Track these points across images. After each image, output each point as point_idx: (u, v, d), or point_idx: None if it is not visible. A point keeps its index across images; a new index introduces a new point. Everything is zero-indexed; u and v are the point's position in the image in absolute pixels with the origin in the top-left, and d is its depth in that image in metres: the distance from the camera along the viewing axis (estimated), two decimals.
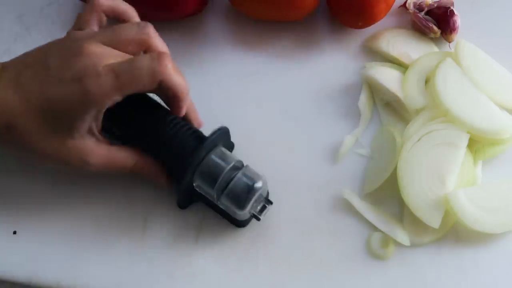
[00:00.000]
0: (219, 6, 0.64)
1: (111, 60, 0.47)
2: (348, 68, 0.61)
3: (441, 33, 0.61)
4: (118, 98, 0.48)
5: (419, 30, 0.62)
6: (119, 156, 0.51)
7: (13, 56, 0.50)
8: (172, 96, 0.50)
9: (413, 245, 0.53)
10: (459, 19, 0.61)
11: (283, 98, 0.60)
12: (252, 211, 0.51)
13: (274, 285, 0.52)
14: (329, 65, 0.61)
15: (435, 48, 0.62)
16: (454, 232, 0.54)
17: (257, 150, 0.56)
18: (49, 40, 0.51)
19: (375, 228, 0.54)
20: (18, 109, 0.47)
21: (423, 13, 0.62)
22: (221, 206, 0.51)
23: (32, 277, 0.52)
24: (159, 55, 0.48)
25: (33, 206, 0.55)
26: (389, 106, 0.59)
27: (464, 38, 0.60)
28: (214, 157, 0.51)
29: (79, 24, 0.52)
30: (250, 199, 0.50)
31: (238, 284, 0.52)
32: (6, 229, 0.54)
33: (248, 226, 0.54)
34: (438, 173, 0.53)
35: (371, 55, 0.62)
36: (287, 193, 0.55)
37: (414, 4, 0.62)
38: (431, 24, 0.61)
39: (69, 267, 0.53)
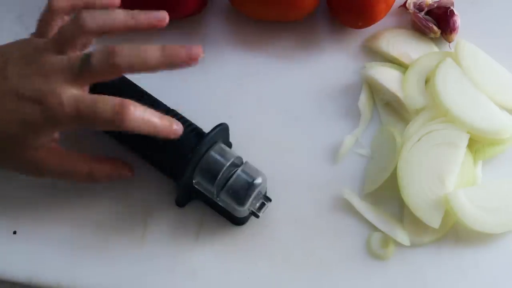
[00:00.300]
0: (219, 6, 0.64)
1: (71, 87, 0.46)
2: (348, 68, 0.61)
3: (441, 33, 0.61)
4: (74, 127, 0.47)
5: (419, 30, 0.62)
6: (72, 163, 0.50)
7: None
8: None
9: (413, 245, 0.53)
10: (459, 19, 0.61)
11: (283, 98, 0.60)
12: (251, 208, 0.51)
13: (274, 285, 0.52)
14: (329, 65, 0.61)
15: (435, 48, 0.62)
16: (454, 232, 0.54)
17: (257, 150, 0.56)
18: None
19: (375, 228, 0.54)
20: None
21: (423, 13, 0.62)
22: (220, 203, 0.51)
23: (32, 277, 0.52)
24: (122, 108, 0.45)
25: (33, 206, 0.55)
26: (389, 106, 0.59)
27: (464, 38, 0.60)
28: (214, 153, 0.51)
29: (41, 28, 0.50)
30: (250, 196, 0.50)
31: (238, 282, 0.52)
32: (6, 229, 0.54)
33: (248, 225, 0.54)
34: (438, 173, 0.53)
35: (371, 55, 0.62)
36: (287, 193, 0.55)
37: (414, 4, 0.62)
38: (431, 24, 0.61)
39: (69, 267, 0.53)
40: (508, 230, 0.53)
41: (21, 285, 0.53)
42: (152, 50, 0.46)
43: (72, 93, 0.46)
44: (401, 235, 0.53)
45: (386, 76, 0.59)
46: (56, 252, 0.53)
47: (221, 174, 0.50)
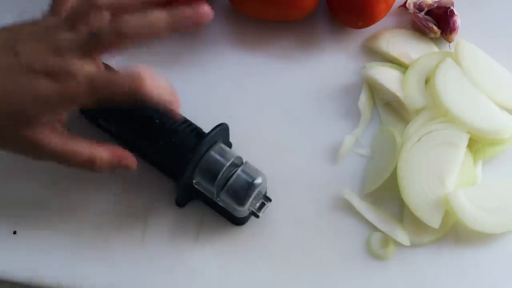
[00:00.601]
0: (219, 6, 0.64)
1: (86, 66, 0.45)
2: (348, 68, 0.61)
3: (441, 33, 0.61)
4: (88, 104, 0.46)
5: (419, 30, 0.62)
6: (74, 144, 0.49)
7: None
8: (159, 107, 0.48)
9: (413, 245, 0.53)
10: (459, 19, 0.61)
11: (283, 98, 0.60)
12: (251, 208, 0.51)
13: (274, 285, 0.52)
14: (329, 65, 0.61)
15: (435, 48, 0.62)
16: (454, 232, 0.54)
17: (257, 150, 0.56)
18: None
19: (375, 228, 0.54)
20: None
21: (423, 13, 0.62)
22: (220, 203, 0.52)
23: (32, 277, 0.52)
24: (139, 75, 0.45)
25: (33, 206, 0.55)
26: (389, 106, 0.59)
27: (464, 38, 0.60)
28: (213, 153, 0.51)
29: (54, 6, 0.49)
30: (250, 196, 0.50)
31: (238, 282, 0.52)
32: (6, 229, 0.54)
33: (248, 225, 0.54)
34: (438, 173, 0.53)
35: (371, 55, 0.62)
36: (287, 193, 0.55)
37: (414, 4, 0.62)
38: (431, 24, 0.61)
39: (69, 267, 0.53)
40: (508, 230, 0.53)
41: (21, 285, 0.53)
42: (158, 14, 0.46)
43: (87, 71, 0.45)
44: (401, 235, 0.53)
45: (386, 76, 0.59)
46: (56, 252, 0.53)
47: (221, 174, 0.50)
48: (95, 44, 0.46)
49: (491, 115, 0.56)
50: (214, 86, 0.60)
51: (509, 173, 0.57)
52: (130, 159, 0.51)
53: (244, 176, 0.51)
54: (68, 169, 0.53)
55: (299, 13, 0.61)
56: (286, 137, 0.58)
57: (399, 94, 0.58)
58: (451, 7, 0.61)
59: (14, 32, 0.47)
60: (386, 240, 0.53)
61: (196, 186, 0.52)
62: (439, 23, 0.61)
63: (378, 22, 0.61)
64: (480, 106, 0.56)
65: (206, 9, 0.47)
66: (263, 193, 0.53)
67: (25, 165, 0.56)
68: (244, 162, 0.52)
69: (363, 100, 0.59)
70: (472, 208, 0.52)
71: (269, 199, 0.52)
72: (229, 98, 0.60)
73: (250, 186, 0.50)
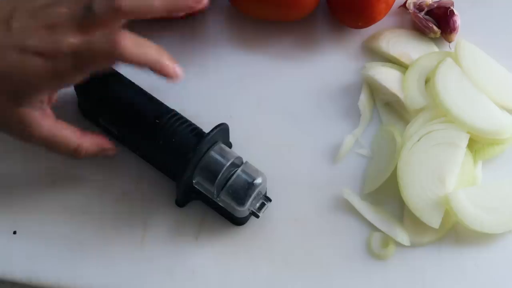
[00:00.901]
0: (219, 6, 0.64)
1: (75, 34, 0.45)
2: (348, 68, 0.61)
3: (441, 33, 0.61)
4: (78, 78, 0.46)
5: (419, 30, 0.62)
6: (64, 132, 0.49)
7: None
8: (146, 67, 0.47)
9: (413, 245, 0.53)
10: (459, 19, 0.61)
11: (283, 98, 0.60)
12: (251, 208, 0.51)
13: (273, 284, 0.52)
14: (329, 65, 0.61)
15: (435, 48, 0.61)
16: (454, 232, 0.54)
17: (257, 150, 0.56)
18: None
19: (375, 228, 0.54)
20: None
21: (423, 13, 0.62)
22: (220, 203, 0.52)
23: (32, 277, 0.52)
24: (115, 37, 0.45)
25: (33, 206, 0.55)
26: (389, 106, 0.59)
27: (464, 38, 0.60)
28: (214, 153, 0.51)
29: None
30: (250, 196, 0.50)
31: (238, 283, 0.52)
32: (6, 229, 0.54)
33: (248, 225, 0.54)
34: (438, 173, 0.53)
35: (371, 55, 0.62)
36: (287, 193, 0.55)
37: (414, 4, 0.62)
38: (431, 24, 0.61)
39: (69, 267, 0.53)
40: (508, 230, 0.53)
41: (21, 285, 0.53)
42: None
43: (71, 44, 0.45)
44: (401, 235, 0.53)
45: (386, 76, 0.59)
46: (56, 252, 0.53)
47: (221, 174, 0.50)
48: (91, 19, 0.45)
49: (491, 115, 0.56)
50: (214, 86, 0.60)
51: (509, 173, 0.57)
52: (110, 146, 0.53)
53: (244, 176, 0.51)
54: (68, 169, 0.53)
55: (299, 13, 0.61)
56: (286, 137, 0.58)
57: (399, 94, 0.58)
58: (451, 7, 0.61)
59: (12, 5, 0.47)
60: (386, 240, 0.53)
61: (196, 186, 0.52)
62: (439, 23, 0.61)
63: (378, 22, 0.61)
64: (480, 106, 0.56)
65: None
66: (263, 193, 0.53)
67: (25, 165, 0.56)
68: (244, 162, 0.52)
69: (363, 100, 0.59)
70: (472, 208, 0.52)
71: (269, 199, 0.52)
72: (229, 98, 0.60)
73: (250, 186, 0.50)
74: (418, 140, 0.54)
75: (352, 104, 0.59)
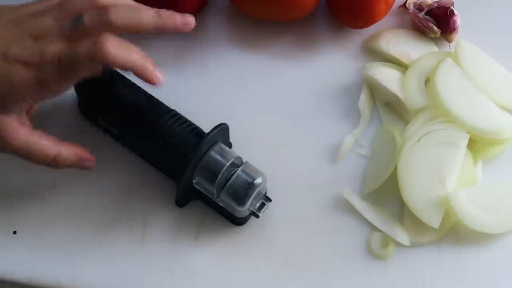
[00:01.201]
0: (219, 6, 0.64)
1: (59, 43, 0.45)
2: (348, 68, 0.61)
3: (441, 33, 0.61)
4: (64, 87, 0.46)
5: (419, 30, 0.62)
6: (41, 143, 0.48)
7: None
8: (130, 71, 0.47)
9: (413, 245, 0.53)
10: (459, 19, 0.61)
11: (283, 98, 0.60)
12: (251, 208, 0.51)
13: (273, 284, 0.52)
14: (329, 65, 0.61)
15: (435, 48, 0.61)
16: (454, 232, 0.54)
17: (257, 150, 0.56)
18: None
19: (375, 228, 0.54)
20: None
21: (423, 13, 0.62)
22: (220, 203, 0.52)
23: (32, 277, 0.52)
24: (99, 40, 0.44)
25: (33, 206, 0.55)
26: (389, 106, 0.59)
27: (464, 38, 0.60)
28: (214, 153, 0.51)
29: None
30: (250, 196, 0.50)
31: (238, 282, 0.52)
32: (6, 229, 0.54)
33: (248, 226, 0.54)
34: (438, 173, 0.53)
35: (371, 55, 0.62)
36: (287, 193, 0.55)
37: (414, 4, 0.62)
38: (431, 24, 0.61)
39: (69, 267, 0.53)
40: (508, 230, 0.53)
41: (21, 285, 0.53)
42: (147, 11, 0.46)
43: (54, 52, 0.45)
44: (401, 235, 0.53)
45: (386, 76, 0.59)
46: (56, 252, 0.53)
47: (221, 174, 0.50)
48: (79, 32, 0.45)
49: (491, 115, 0.56)
50: (214, 86, 0.60)
51: (509, 173, 0.57)
52: (90, 159, 0.51)
53: (244, 176, 0.51)
54: (68, 169, 0.53)
55: (299, 13, 0.61)
56: (286, 137, 0.58)
57: (399, 94, 0.58)
58: (451, 7, 0.61)
59: (3, 12, 0.47)
60: (386, 240, 0.53)
61: (196, 186, 0.52)
62: (439, 23, 0.61)
63: (378, 22, 0.61)
64: (480, 106, 0.56)
65: (191, 20, 0.48)
66: (263, 193, 0.53)
67: (25, 165, 0.56)
68: (244, 162, 0.52)
69: (363, 100, 0.59)
70: (472, 208, 0.52)
71: (269, 199, 0.52)
72: (229, 98, 0.60)
73: (250, 186, 0.50)
74: (418, 140, 0.54)
75: (352, 104, 0.59)
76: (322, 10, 0.63)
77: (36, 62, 0.45)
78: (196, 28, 0.63)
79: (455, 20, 0.61)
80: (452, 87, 0.56)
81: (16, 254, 0.53)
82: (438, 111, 0.56)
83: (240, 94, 0.60)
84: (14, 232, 0.54)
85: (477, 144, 0.56)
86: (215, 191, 0.51)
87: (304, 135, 0.58)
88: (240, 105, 0.59)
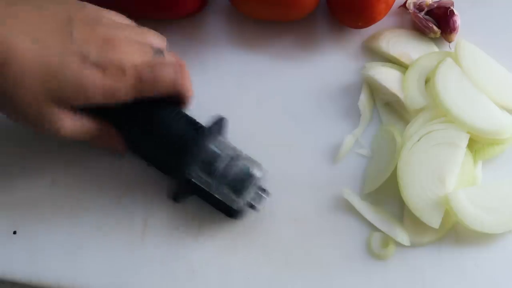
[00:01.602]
0: (219, 6, 0.64)
1: (136, 57, 0.47)
2: (348, 68, 0.61)
3: (441, 33, 0.61)
4: (131, 99, 0.48)
5: (419, 30, 0.62)
6: (87, 124, 0.50)
7: None
8: (179, 98, 0.51)
9: (413, 245, 0.53)
10: (459, 19, 0.61)
11: (283, 98, 0.60)
12: (250, 201, 0.51)
13: (274, 284, 0.52)
14: (329, 65, 0.61)
15: (435, 48, 0.62)
16: (454, 232, 0.54)
17: (257, 150, 0.56)
18: None
19: (375, 228, 0.54)
20: (28, 53, 0.45)
21: (423, 13, 0.62)
22: (218, 196, 0.51)
23: (32, 277, 0.52)
24: (181, 67, 0.49)
25: (33, 206, 0.55)
26: (389, 106, 0.59)
27: (464, 38, 0.60)
28: (212, 145, 0.51)
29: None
30: (248, 187, 0.50)
31: (238, 282, 0.52)
32: (6, 229, 0.54)
33: (248, 225, 0.54)
34: (438, 173, 0.53)
35: (371, 55, 0.62)
36: (287, 193, 0.55)
37: (414, 4, 0.62)
38: (431, 24, 0.61)
39: (69, 267, 0.53)
40: (508, 230, 0.53)
41: (21, 285, 0.53)
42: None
43: (135, 65, 0.47)
44: (401, 235, 0.53)
45: (386, 76, 0.59)
46: (56, 252, 0.53)
47: (219, 166, 0.50)
48: (160, 58, 0.49)
49: (491, 115, 0.56)
50: (214, 85, 0.60)
51: (509, 173, 0.57)
52: (121, 145, 0.53)
53: (242, 167, 0.50)
54: (68, 169, 0.53)
55: (299, 13, 0.61)
56: (286, 137, 0.58)
57: (399, 94, 0.58)
58: (451, 7, 0.61)
59: (69, 15, 0.48)
60: (386, 240, 0.53)
61: (193, 180, 0.52)
62: (439, 23, 0.61)
63: (378, 22, 0.61)
64: (480, 106, 0.56)
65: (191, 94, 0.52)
66: (261, 186, 0.53)
67: (25, 165, 0.56)
68: (242, 153, 0.52)
69: (363, 100, 0.59)
70: (472, 208, 0.52)
71: (267, 192, 0.52)
72: (229, 98, 0.60)
73: (248, 177, 0.50)
74: (418, 140, 0.54)
75: (352, 104, 0.59)
76: (322, 10, 0.63)
77: (111, 71, 0.46)
78: (196, 28, 0.64)
79: (455, 20, 0.61)
80: (452, 87, 0.56)
81: (16, 254, 0.53)
82: (438, 111, 0.56)
83: (240, 94, 0.60)
84: (14, 232, 0.54)
85: (477, 144, 0.56)
86: (213, 184, 0.51)
87: (304, 135, 0.58)
88: (240, 105, 0.59)
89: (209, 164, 0.50)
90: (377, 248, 0.53)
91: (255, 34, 0.63)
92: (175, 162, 0.51)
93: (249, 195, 0.51)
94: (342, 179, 0.56)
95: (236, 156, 0.51)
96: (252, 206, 0.52)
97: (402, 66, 0.60)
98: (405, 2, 0.63)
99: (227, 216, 0.54)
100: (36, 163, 0.56)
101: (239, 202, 0.51)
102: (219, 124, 0.52)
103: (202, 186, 0.52)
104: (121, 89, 0.47)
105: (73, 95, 0.46)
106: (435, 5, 0.62)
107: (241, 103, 0.60)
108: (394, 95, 0.58)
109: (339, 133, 0.58)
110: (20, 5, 0.47)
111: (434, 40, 0.62)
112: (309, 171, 0.56)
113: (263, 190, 0.52)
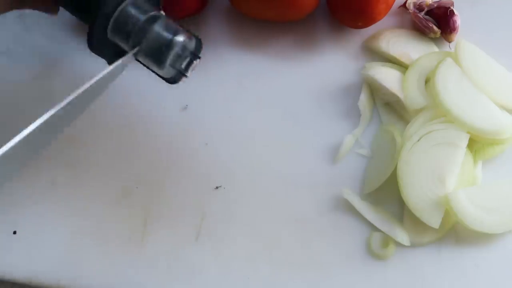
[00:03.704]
0: (219, 6, 0.64)
1: None
2: (348, 68, 0.61)
3: (441, 33, 0.61)
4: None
5: (419, 30, 0.62)
6: None
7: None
8: None
9: (413, 245, 0.53)
10: (459, 19, 0.61)
11: (283, 98, 0.60)
12: (177, 68, 0.47)
13: (274, 285, 0.52)
14: (329, 65, 0.61)
15: (435, 48, 0.62)
16: (454, 232, 0.54)
17: (257, 150, 0.56)
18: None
19: (375, 228, 0.54)
20: None
21: (423, 13, 0.62)
22: (141, 63, 0.47)
23: (32, 277, 0.52)
24: None
25: (33, 206, 0.55)
26: (389, 106, 0.59)
27: (464, 38, 0.60)
28: (129, 7, 0.46)
29: None
30: (169, 55, 0.45)
31: (238, 282, 0.52)
32: (6, 229, 0.54)
33: (248, 225, 0.54)
34: (438, 173, 0.53)
35: (371, 55, 0.62)
36: (287, 193, 0.55)
37: (414, 4, 0.62)
38: (431, 24, 0.61)
39: (69, 267, 0.53)
40: (508, 230, 0.53)
41: (21, 285, 0.53)
42: None
43: None
44: (401, 235, 0.53)
45: (386, 76, 0.59)
46: (56, 252, 0.53)
47: (135, 30, 0.45)
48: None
49: (491, 115, 0.56)
50: (214, 85, 0.60)
51: (509, 173, 0.57)
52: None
53: (161, 32, 0.45)
54: (68, 169, 0.53)
55: (299, 13, 0.61)
56: (286, 137, 0.58)
57: (399, 94, 0.58)
58: (451, 7, 0.61)
59: None
60: (386, 240, 0.53)
61: (112, 39, 0.46)
62: (439, 23, 0.61)
63: (378, 22, 0.61)
64: (480, 106, 0.56)
65: None
66: (192, 50, 0.48)
67: (25, 165, 0.56)
68: (162, 16, 0.46)
69: (363, 100, 0.59)
70: (472, 208, 0.52)
71: (198, 57, 0.47)
72: (229, 98, 0.60)
73: (168, 44, 0.45)
74: (418, 140, 0.54)
75: (352, 104, 0.59)
76: (322, 10, 0.63)
77: None
78: (196, 28, 0.64)
79: (455, 20, 0.61)
80: (452, 87, 0.56)
81: (16, 254, 0.53)
82: (438, 111, 0.56)
83: (240, 94, 0.60)
84: (14, 232, 0.54)
85: (477, 144, 0.56)
86: (131, 50, 0.46)
87: (304, 135, 0.58)
88: (239, 105, 0.59)
89: (124, 27, 0.45)
90: (377, 248, 0.53)
91: (255, 34, 0.63)
92: (91, 12, 0.45)
93: (174, 62, 0.46)
94: (342, 179, 0.56)
95: (155, 19, 0.46)
96: (181, 73, 0.47)
97: (402, 66, 0.60)
98: (405, 2, 0.63)
99: (163, 80, 0.49)
100: (36, 163, 0.56)
101: (163, 71, 0.46)
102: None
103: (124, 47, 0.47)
104: None
105: None
106: (435, 5, 0.62)
107: (241, 102, 0.60)
108: (394, 95, 0.58)
109: (339, 133, 0.58)
110: None
111: (434, 40, 0.62)
112: (309, 171, 0.57)
113: (193, 55, 0.47)
